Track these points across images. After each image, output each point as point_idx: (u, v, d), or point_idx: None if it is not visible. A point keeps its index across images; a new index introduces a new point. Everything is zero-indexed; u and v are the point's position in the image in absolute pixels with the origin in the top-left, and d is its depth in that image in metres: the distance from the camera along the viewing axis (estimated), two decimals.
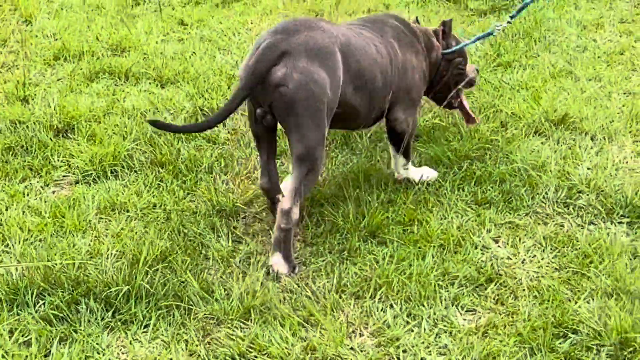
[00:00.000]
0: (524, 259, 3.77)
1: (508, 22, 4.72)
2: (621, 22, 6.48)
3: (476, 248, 3.83)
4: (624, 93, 5.29)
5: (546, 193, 4.21)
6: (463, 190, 4.28)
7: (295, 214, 3.71)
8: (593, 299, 3.48)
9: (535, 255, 3.79)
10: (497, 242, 3.90)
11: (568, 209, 4.13)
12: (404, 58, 4.23)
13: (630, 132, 4.77)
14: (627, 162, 4.49)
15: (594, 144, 4.68)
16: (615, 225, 3.99)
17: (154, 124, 3.92)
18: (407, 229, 3.96)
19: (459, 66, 4.62)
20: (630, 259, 3.72)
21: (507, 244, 3.88)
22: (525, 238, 3.91)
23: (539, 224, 4.02)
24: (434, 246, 3.82)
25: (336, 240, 3.90)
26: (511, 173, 4.37)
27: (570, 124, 4.85)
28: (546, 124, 4.83)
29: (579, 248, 3.79)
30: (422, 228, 3.94)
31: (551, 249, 3.82)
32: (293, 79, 3.62)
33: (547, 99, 5.08)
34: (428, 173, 4.39)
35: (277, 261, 3.71)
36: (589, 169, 4.40)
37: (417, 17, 4.72)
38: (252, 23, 6.68)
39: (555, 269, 3.70)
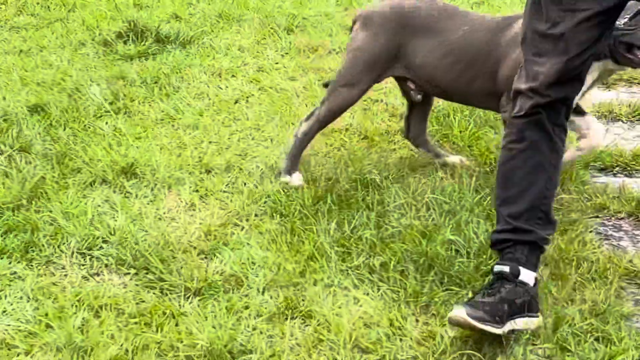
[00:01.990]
0: None
1: None
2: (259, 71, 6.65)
3: None
4: (210, 142, 5.40)
5: (69, 243, 4.25)
6: None
7: (302, 130, 4.86)
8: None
9: None
10: None
11: (85, 259, 4.18)
12: None
13: (192, 181, 4.88)
14: (172, 211, 4.59)
15: (152, 193, 4.76)
16: (120, 277, 4.06)
17: None
18: None
19: None
20: (93, 309, 3.78)
21: None
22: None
23: (44, 274, 4.05)
24: None
25: None
26: (45, 222, 4.40)
27: (139, 173, 4.92)
28: (111, 173, 4.88)
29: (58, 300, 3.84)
30: None
31: None
32: (352, 35, 4.89)
33: (126, 147, 5.15)
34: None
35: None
36: (132, 219, 4.47)
37: None
38: None
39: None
